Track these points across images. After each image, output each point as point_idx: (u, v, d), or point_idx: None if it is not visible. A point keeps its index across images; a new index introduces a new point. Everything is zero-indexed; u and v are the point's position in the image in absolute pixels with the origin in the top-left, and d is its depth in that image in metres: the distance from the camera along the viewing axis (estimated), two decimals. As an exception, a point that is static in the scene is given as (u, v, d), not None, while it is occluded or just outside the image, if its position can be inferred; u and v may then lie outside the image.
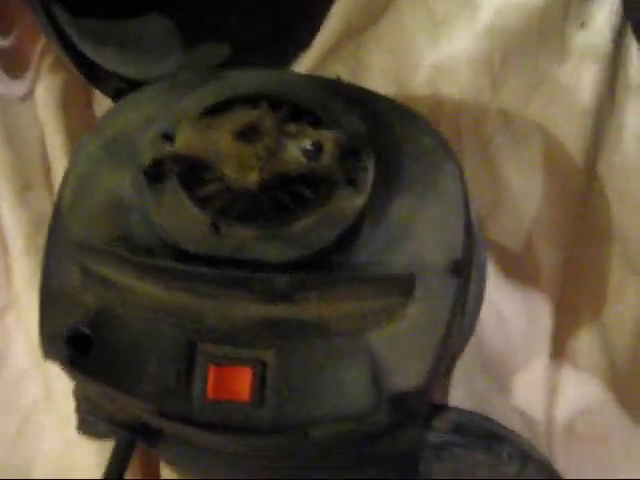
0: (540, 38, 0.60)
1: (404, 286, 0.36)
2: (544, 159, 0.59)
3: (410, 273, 0.36)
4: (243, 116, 0.37)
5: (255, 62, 0.59)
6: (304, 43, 0.61)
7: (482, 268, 0.48)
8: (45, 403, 0.52)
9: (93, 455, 0.49)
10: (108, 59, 0.54)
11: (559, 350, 0.53)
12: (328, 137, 0.37)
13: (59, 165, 0.57)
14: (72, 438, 0.50)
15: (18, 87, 0.60)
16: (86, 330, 0.36)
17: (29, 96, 0.60)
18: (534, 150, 0.59)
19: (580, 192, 0.58)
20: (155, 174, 0.38)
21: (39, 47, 0.61)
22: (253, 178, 0.36)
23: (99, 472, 0.47)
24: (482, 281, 0.48)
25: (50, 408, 0.52)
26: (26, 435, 0.52)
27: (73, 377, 0.39)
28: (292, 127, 0.37)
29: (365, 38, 0.61)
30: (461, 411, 0.49)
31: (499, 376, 0.53)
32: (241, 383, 0.36)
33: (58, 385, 0.51)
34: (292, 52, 0.61)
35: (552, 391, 0.52)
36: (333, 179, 0.37)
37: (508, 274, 0.55)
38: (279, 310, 0.36)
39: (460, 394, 0.52)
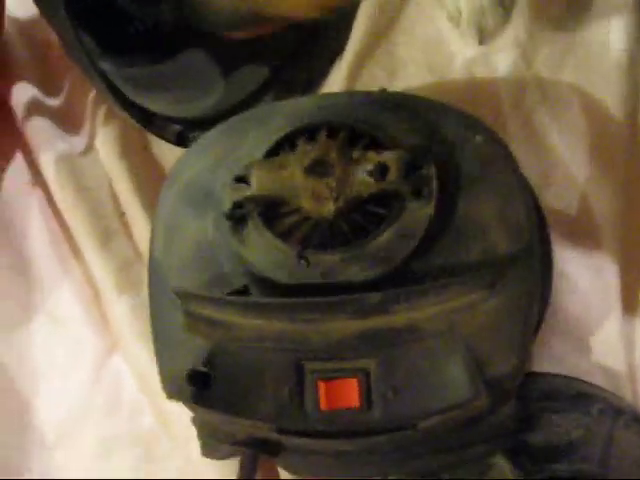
0: (563, 4, 0.62)
1: (483, 281, 0.39)
2: (586, 119, 0.61)
3: (487, 268, 0.39)
4: (309, 152, 0.40)
5: (293, 78, 0.63)
6: (336, 50, 0.63)
7: (548, 241, 0.50)
8: (163, 430, 0.57)
9: (217, 472, 0.53)
10: (159, 104, 0.58)
11: (630, 303, 0.55)
12: (390, 157, 0.40)
13: (132, 209, 0.60)
14: (194, 458, 0.55)
15: (78, 142, 0.64)
16: (203, 368, 0.40)
17: (90, 149, 0.64)
18: (575, 113, 0.61)
19: (625, 144, 0.60)
20: (237, 216, 0.41)
21: (90, 101, 0.65)
22: (329, 207, 0.39)
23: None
24: (550, 253, 0.51)
25: (169, 434, 0.57)
26: (151, 460, 0.57)
27: (197, 411, 0.43)
28: (355, 153, 0.40)
29: (395, 36, 0.63)
30: (548, 376, 0.52)
31: (577, 337, 0.55)
32: (349, 392, 0.39)
33: (172, 412, 0.55)
34: (327, 61, 0.63)
35: (630, 343, 0.54)
36: (401, 194, 0.40)
37: (570, 237, 0.57)
38: (373, 323, 0.39)
39: (543, 360, 0.54)
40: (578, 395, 0.51)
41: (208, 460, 0.53)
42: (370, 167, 0.39)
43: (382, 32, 0.63)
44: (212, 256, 0.43)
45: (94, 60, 0.53)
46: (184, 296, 0.41)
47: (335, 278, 0.39)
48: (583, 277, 0.56)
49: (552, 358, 0.55)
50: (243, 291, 0.41)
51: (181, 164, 0.47)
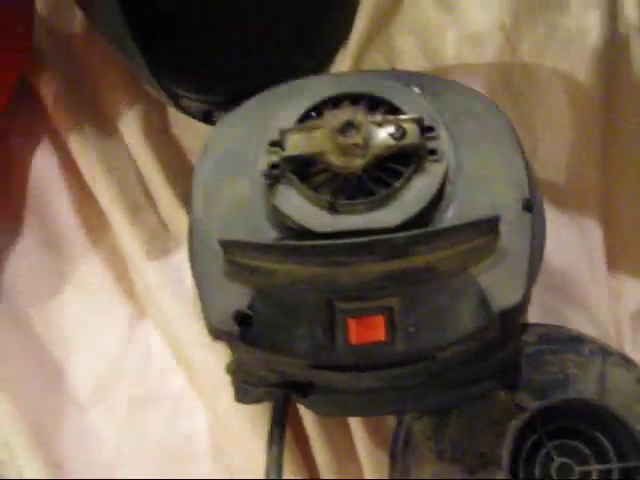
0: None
1: (490, 226, 0.44)
2: (567, 98, 0.67)
3: (493, 215, 0.45)
4: (338, 116, 0.46)
5: (302, 64, 0.68)
6: (342, 38, 0.69)
7: (540, 201, 0.56)
8: (191, 387, 0.61)
9: (244, 423, 0.58)
10: (187, 87, 0.63)
11: (614, 260, 0.62)
12: (407, 120, 0.45)
13: (156, 184, 0.65)
14: (221, 412, 0.59)
15: (104, 125, 0.68)
16: (247, 310, 0.45)
17: (115, 131, 0.68)
18: (557, 92, 0.68)
19: (603, 120, 0.66)
20: (274, 175, 0.46)
21: (112, 86, 0.69)
22: (357, 163, 0.44)
23: (255, 435, 0.57)
24: (542, 212, 0.56)
25: (197, 391, 0.61)
26: (180, 415, 0.61)
27: (240, 350, 0.47)
28: (378, 117, 0.46)
29: (392, 24, 0.69)
30: (544, 325, 0.58)
31: (568, 292, 0.61)
32: (376, 328, 0.44)
33: (200, 368, 0.60)
34: (332, 48, 0.69)
35: (615, 296, 0.61)
36: (418, 153, 0.45)
37: (558, 203, 0.63)
38: (397, 264, 0.44)
39: (538, 313, 0.60)
40: (571, 339, 0.57)
41: (235, 412, 0.58)
42: (391, 129, 0.45)
43: (382, 21, 0.69)
44: (249, 213, 0.47)
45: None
46: (228, 245, 0.46)
47: (362, 225, 0.44)
48: (571, 238, 0.63)
49: (546, 311, 0.61)
50: (280, 240, 0.46)
51: (215, 136, 0.52)
